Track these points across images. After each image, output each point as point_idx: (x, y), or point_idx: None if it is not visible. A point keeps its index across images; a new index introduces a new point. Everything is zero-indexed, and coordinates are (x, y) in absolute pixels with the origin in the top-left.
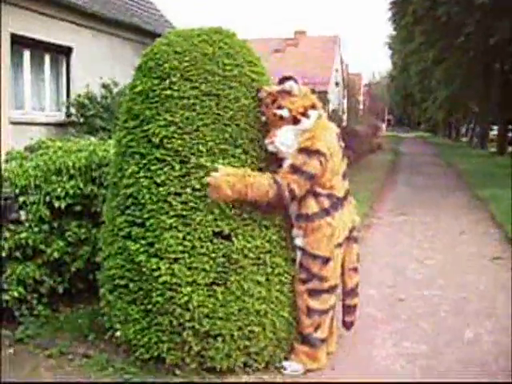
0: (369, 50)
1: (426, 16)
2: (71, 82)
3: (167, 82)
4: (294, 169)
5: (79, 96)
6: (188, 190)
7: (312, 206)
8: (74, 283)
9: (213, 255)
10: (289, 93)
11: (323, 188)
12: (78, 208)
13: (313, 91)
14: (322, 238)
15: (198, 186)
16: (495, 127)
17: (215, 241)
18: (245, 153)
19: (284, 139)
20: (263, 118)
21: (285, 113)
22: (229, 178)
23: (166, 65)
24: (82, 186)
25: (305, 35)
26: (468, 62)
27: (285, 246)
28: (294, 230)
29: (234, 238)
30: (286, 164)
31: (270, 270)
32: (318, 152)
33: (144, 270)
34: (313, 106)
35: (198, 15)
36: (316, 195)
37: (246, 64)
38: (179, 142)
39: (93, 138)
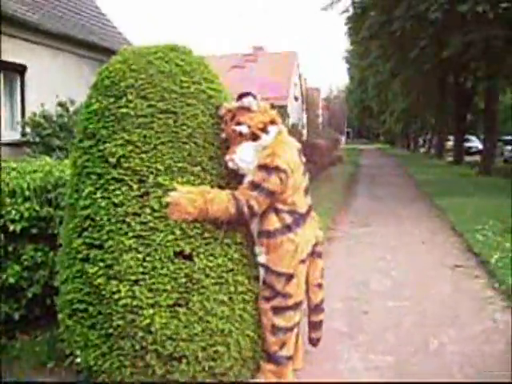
0: (327, 65)
1: (382, 31)
2: (26, 100)
3: (123, 100)
4: (254, 185)
5: (34, 115)
6: (147, 209)
7: (273, 222)
8: (31, 309)
9: (174, 276)
10: (247, 109)
11: (284, 204)
12: (33, 231)
13: (272, 106)
14: (284, 255)
15: (157, 206)
16: (451, 138)
17: (176, 261)
18: (204, 171)
19: (243, 156)
20: (223, 135)
21: (244, 129)
22: (188, 195)
23: (122, 83)
24: (37, 208)
25: (263, 51)
26: (423, 74)
27: (247, 264)
28: (257, 247)
29: (195, 258)
30: (246, 181)
31: (232, 288)
32: (277, 168)
33: (103, 293)
34: (272, 122)
35: (156, 32)
36: (277, 211)
37: (204, 81)
38: (137, 161)
39: (48, 158)
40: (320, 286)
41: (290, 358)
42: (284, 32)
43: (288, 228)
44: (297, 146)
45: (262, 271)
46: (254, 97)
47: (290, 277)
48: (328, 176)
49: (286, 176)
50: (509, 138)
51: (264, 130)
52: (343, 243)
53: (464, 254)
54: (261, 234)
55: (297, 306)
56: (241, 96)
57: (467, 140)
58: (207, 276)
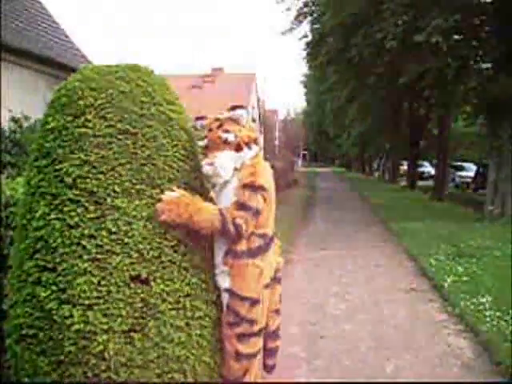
0: (285, 87)
1: (339, 57)
2: None
3: (82, 119)
4: (239, 205)
5: None
6: (103, 232)
7: (242, 243)
8: None
9: (130, 300)
10: (236, 121)
11: (258, 227)
12: None
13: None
14: (249, 279)
15: (113, 229)
16: (405, 162)
17: (132, 285)
18: (162, 193)
19: (224, 162)
20: (201, 143)
21: (231, 137)
22: (184, 198)
23: (81, 101)
24: None
25: (222, 72)
26: (379, 100)
27: (205, 289)
28: (220, 267)
29: (152, 282)
30: (221, 196)
31: (189, 313)
32: (261, 187)
33: (55, 318)
34: (255, 141)
35: (114, 50)
36: (249, 234)
37: (164, 102)
38: (94, 182)
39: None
40: (278, 311)
41: None
42: (243, 54)
43: (255, 252)
44: (270, 170)
45: (225, 296)
46: (246, 111)
47: (254, 302)
48: (285, 198)
49: (267, 195)
50: (460, 163)
51: (248, 144)
52: (300, 266)
53: (418, 277)
54: (228, 253)
55: (261, 332)
56: (233, 108)
57: (420, 165)
58: (164, 301)
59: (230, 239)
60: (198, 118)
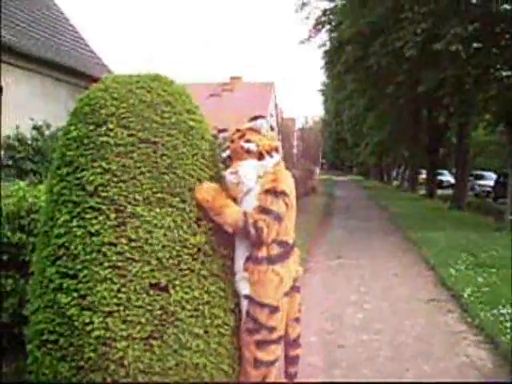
0: (303, 96)
1: (358, 65)
2: (0, 123)
3: (103, 128)
4: (261, 210)
5: (8, 137)
6: (123, 240)
7: (263, 250)
8: None
9: (149, 308)
10: (257, 131)
11: (279, 234)
12: (4, 257)
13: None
14: (269, 286)
15: (134, 236)
16: (424, 171)
17: (152, 293)
18: (183, 201)
19: (247, 170)
20: (224, 154)
21: (252, 146)
22: (220, 190)
23: (103, 111)
24: (9, 234)
25: (240, 80)
26: (398, 108)
27: (223, 297)
28: (241, 273)
29: (171, 290)
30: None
31: (208, 321)
32: (283, 193)
33: (76, 324)
34: (276, 149)
35: (134, 58)
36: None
37: (185, 111)
38: (115, 190)
39: (22, 183)
40: (297, 320)
41: None
42: (262, 62)
43: (275, 259)
44: (291, 177)
45: (245, 302)
46: (266, 121)
47: (274, 309)
48: (302, 206)
49: (289, 201)
50: (479, 172)
51: (269, 153)
52: (318, 275)
53: (437, 287)
54: (249, 259)
55: (280, 339)
56: (254, 118)
57: (439, 174)
58: (183, 308)
59: (251, 242)
60: (220, 131)
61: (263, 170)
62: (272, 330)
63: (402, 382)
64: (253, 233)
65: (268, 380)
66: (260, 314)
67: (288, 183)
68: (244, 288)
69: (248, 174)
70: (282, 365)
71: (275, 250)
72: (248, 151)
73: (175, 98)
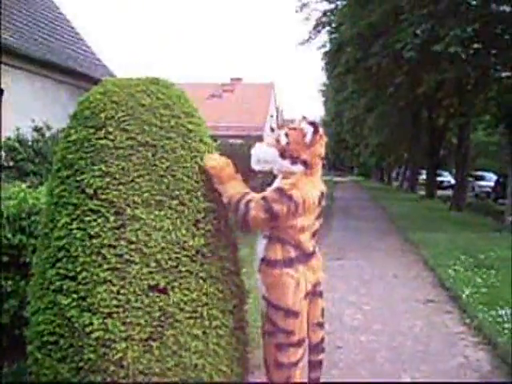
0: (303, 97)
1: (358, 66)
2: (1, 124)
3: (103, 131)
4: (263, 197)
5: (9, 139)
6: (123, 242)
7: (277, 252)
8: None
9: (148, 309)
10: (302, 133)
11: (290, 238)
12: (4, 259)
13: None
14: (285, 290)
15: (133, 238)
16: (424, 171)
17: (151, 294)
18: (181, 204)
19: (262, 153)
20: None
21: (284, 140)
22: (226, 162)
23: (102, 114)
24: (9, 235)
25: (241, 81)
26: (398, 109)
27: (222, 298)
28: (257, 275)
29: (170, 292)
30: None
31: (207, 323)
32: (290, 197)
33: (76, 325)
34: (305, 163)
35: (135, 59)
36: (283, 243)
37: (184, 115)
38: (114, 192)
39: (23, 185)
40: (320, 324)
41: None
42: (262, 63)
43: (290, 262)
44: (321, 188)
45: (262, 303)
46: (315, 131)
47: (289, 312)
48: None
49: (295, 208)
50: (479, 173)
51: (293, 159)
52: None
53: (436, 288)
54: (262, 260)
55: (300, 342)
56: (311, 123)
57: (439, 174)
58: (181, 310)
59: (236, 219)
60: (312, 123)
61: (278, 166)
62: (289, 333)
63: (399, 382)
64: (241, 208)
65: (292, 381)
66: (276, 317)
67: (304, 193)
68: (261, 288)
69: (261, 154)
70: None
71: (291, 252)
72: (277, 140)
73: (174, 101)
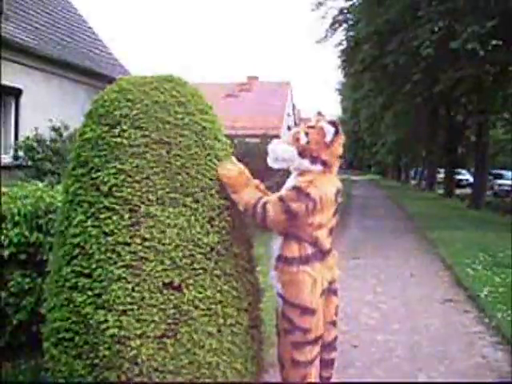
0: (320, 95)
1: (375, 64)
2: (20, 124)
3: (117, 129)
4: (279, 198)
5: (28, 138)
6: (137, 239)
7: (294, 250)
8: (16, 336)
9: (163, 307)
10: (322, 132)
11: (308, 236)
12: (22, 257)
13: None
14: (301, 287)
15: (147, 236)
16: (442, 170)
17: (165, 292)
18: (196, 202)
19: (280, 150)
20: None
21: (303, 138)
22: (240, 170)
23: (117, 112)
24: (27, 233)
25: (257, 80)
26: (415, 107)
27: (236, 296)
28: (272, 272)
29: (184, 289)
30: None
31: (221, 320)
32: (307, 195)
33: (91, 322)
34: (324, 163)
35: (151, 58)
36: (300, 241)
37: (198, 112)
38: (128, 190)
39: (40, 183)
40: (334, 323)
41: None
42: (278, 62)
43: (307, 260)
44: (338, 185)
45: (279, 300)
46: (336, 132)
47: (306, 310)
48: None
49: (313, 206)
50: (499, 171)
51: (312, 159)
52: None
53: (453, 287)
54: (279, 258)
55: (317, 340)
56: (332, 123)
57: (458, 173)
58: (196, 307)
59: (255, 222)
60: (333, 123)
61: (296, 164)
62: (306, 331)
63: (413, 382)
64: (259, 212)
65: (308, 380)
66: (293, 315)
67: (321, 190)
68: (276, 286)
69: (279, 151)
70: None
71: (308, 249)
72: (297, 139)
73: (188, 98)
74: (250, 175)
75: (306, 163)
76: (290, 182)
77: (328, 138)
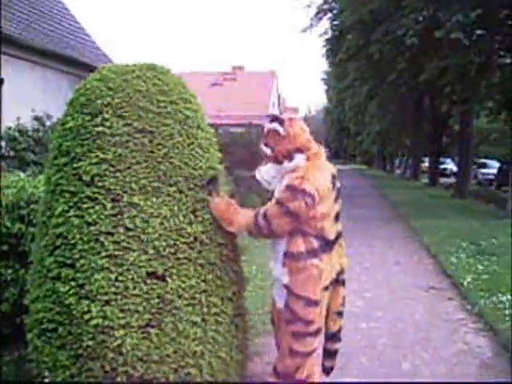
0: (305, 85)
1: (359, 53)
2: (2, 114)
3: (99, 118)
4: (276, 201)
5: (9, 129)
6: (120, 229)
7: (299, 245)
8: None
9: (146, 296)
10: (277, 133)
11: (312, 229)
12: (4, 248)
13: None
14: (308, 280)
15: (130, 225)
16: (426, 159)
17: (149, 281)
18: (179, 191)
19: (264, 174)
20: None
21: (268, 151)
22: (227, 202)
23: (99, 101)
24: (8, 224)
25: (242, 70)
26: (400, 97)
27: (220, 285)
28: (279, 268)
29: (168, 279)
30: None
31: (205, 309)
32: (304, 192)
33: (74, 312)
34: (299, 150)
35: (135, 48)
36: (304, 235)
37: (181, 101)
38: (111, 179)
39: (22, 174)
40: (340, 314)
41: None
42: (263, 52)
43: (313, 253)
44: (332, 171)
45: (284, 291)
46: (281, 122)
47: (310, 302)
48: None
49: (312, 201)
50: (482, 160)
51: (287, 156)
52: None
53: (437, 275)
54: (286, 255)
55: (318, 332)
56: (273, 119)
57: (442, 162)
58: (180, 297)
59: (263, 234)
60: (273, 119)
61: (282, 171)
62: (308, 323)
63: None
64: (262, 224)
65: (301, 370)
66: (296, 306)
67: (315, 182)
68: (283, 277)
69: (265, 176)
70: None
71: (314, 243)
72: (266, 155)
73: (171, 87)
74: (236, 205)
75: (285, 164)
76: (283, 182)
77: (280, 131)
